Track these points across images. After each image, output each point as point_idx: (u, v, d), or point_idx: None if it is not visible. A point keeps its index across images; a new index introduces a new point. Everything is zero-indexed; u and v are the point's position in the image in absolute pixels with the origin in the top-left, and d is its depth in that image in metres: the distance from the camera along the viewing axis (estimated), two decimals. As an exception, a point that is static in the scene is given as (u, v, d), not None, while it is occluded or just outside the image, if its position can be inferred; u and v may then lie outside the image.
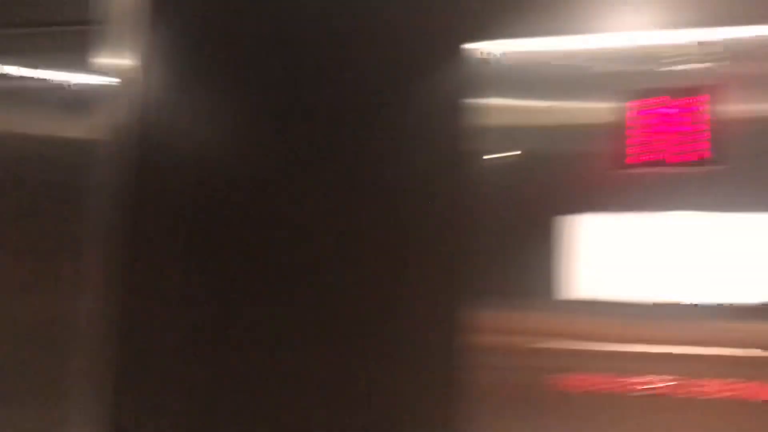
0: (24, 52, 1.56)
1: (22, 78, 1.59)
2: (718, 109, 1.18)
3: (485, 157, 1.26)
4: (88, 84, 1.53)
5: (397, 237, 1.29)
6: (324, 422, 1.29)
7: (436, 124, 1.28)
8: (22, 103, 1.59)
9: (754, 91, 1.18)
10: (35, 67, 1.57)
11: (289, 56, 1.37)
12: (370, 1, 1.35)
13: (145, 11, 1.45)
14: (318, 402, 1.29)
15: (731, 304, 1.15)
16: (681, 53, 1.22)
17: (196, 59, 1.42)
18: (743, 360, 1.15)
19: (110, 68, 1.49)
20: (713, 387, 1.15)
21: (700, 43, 1.21)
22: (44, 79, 1.57)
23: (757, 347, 1.14)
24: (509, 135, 1.25)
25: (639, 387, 1.18)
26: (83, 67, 1.52)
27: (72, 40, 1.52)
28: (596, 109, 1.24)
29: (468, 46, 1.27)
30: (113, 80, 1.48)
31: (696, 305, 1.16)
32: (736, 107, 1.19)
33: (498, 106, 1.26)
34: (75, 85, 1.55)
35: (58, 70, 1.56)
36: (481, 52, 1.28)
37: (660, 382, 1.17)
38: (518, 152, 1.25)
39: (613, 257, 1.20)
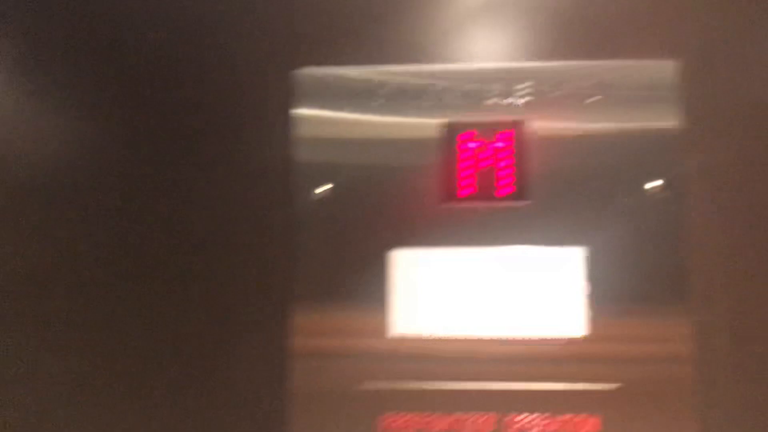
0: None
1: None
2: (524, 144, 1.19)
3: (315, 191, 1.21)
4: None
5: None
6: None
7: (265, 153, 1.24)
8: None
9: (560, 126, 1.19)
10: None
11: (120, 85, 1.31)
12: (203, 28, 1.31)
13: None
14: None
15: (540, 339, 1.14)
16: (497, 87, 1.23)
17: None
18: (558, 394, 1.14)
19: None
20: (532, 422, 1.14)
21: (511, 77, 1.22)
22: None
23: (561, 380, 1.13)
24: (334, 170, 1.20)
25: (455, 425, 1.16)
26: None
27: None
28: (425, 141, 1.22)
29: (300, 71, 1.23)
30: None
31: (506, 340, 1.15)
32: (543, 142, 1.19)
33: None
34: None
35: None
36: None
37: (477, 420, 1.16)
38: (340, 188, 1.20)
39: (431, 292, 1.18)
